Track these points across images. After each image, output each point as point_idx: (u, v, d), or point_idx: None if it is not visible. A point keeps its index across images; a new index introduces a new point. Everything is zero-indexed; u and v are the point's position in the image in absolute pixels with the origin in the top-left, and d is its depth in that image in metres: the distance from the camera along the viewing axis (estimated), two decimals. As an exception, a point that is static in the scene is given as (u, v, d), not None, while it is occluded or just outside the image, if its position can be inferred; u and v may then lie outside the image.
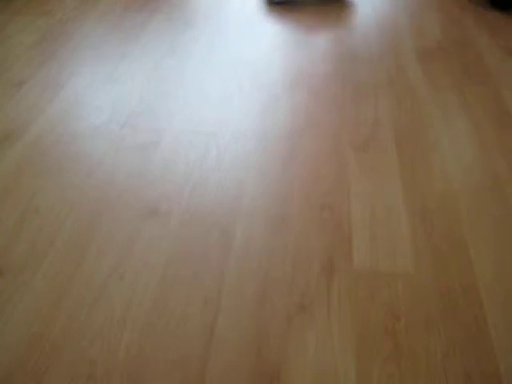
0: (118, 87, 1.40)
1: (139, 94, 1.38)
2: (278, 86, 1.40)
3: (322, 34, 1.61)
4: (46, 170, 1.14)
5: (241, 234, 0.99)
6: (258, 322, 0.84)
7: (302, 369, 0.78)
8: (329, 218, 1.02)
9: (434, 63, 1.48)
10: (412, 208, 1.03)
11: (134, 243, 0.97)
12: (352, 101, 1.34)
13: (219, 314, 0.86)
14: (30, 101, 1.35)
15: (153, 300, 0.88)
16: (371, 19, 1.72)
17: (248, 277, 0.91)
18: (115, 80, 1.43)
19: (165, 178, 1.12)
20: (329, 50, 1.55)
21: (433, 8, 1.78)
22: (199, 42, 1.61)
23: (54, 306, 0.87)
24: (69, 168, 1.14)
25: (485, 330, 0.83)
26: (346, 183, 1.10)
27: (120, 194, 1.08)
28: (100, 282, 0.91)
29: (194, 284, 0.90)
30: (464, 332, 0.82)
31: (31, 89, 1.40)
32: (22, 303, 0.87)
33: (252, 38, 1.62)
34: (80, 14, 1.76)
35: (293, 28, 1.66)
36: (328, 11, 1.76)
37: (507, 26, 1.64)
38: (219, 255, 0.95)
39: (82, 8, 1.80)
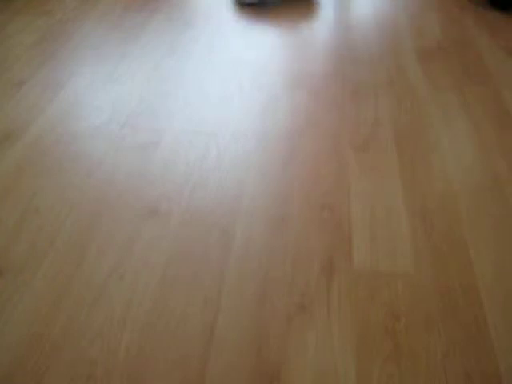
0: (118, 87, 1.40)
1: (139, 94, 1.38)
2: (277, 86, 1.40)
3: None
4: (46, 170, 1.14)
5: (241, 234, 0.99)
6: (258, 322, 0.84)
7: (302, 369, 0.78)
8: (329, 218, 1.02)
9: (434, 63, 1.48)
10: (412, 208, 1.03)
11: (133, 243, 0.97)
12: (352, 101, 1.34)
13: (219, 314, 0.86)
14: (30, 101, 1.35)
15: (153, 300, 0.88)
16: (371, 19, 1.71)
17: (248, 277, 0.91)
18: (115, 80, 1.43)
19: (165, 178, 1.12)
20: (329, 50, 1.55)
21: (433, 8, 1.78)
22: (199, 41, 1.61)
23: (53, 306, 0.87)
24: (69, 168, 1.14)
25: (485, 330, 0.83)
26: (346, 183, 1.10)
27: (120, 194, 1.08)
28: (100, 282, 0.91)
29: (194, 284, 0.90)
30: (464, 332, 0.82)
31: (31, 89, 1.40)
32: (22, 303, 0.87)
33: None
34: (80, 14, 1.76)
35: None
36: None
37: (507, 25, 1.64)
38: (219, 255, 0.95)
39: (81, 8, 1.80)
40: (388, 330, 0.83)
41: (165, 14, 1.76)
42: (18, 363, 0.79)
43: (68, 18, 1.74)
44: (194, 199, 1.07)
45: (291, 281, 0.90)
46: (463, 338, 0.82)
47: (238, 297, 0.88)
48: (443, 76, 1.43)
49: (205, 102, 1.34)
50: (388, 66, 1.47)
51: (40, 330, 0.83)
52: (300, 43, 1.58)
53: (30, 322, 0.84)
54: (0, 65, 1.50)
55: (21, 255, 0.95)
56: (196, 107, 1.33)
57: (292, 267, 0.93)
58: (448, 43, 1.57)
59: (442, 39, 1.59)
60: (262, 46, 1.58)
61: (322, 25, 1.68)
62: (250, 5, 1.79)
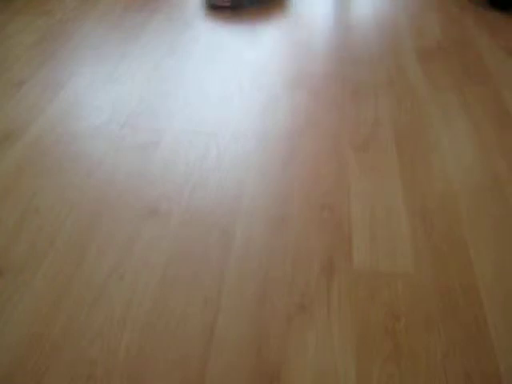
0: (118, 87, 1.40)
1: (139, 94, 1.38)
2: (277, 86, 1.40)
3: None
4: (46, 170, 1.14)
5: (241, 234, 0.99)
6: (258, 322, 0.84)
7: (302, 369, 0.78)
8: (329, 218, 1.02)
9: (434, 63, 1.48)
10: (412, 208, 1.03)
11: (134, 243, 0.97)
12: (352, 101, 1.34)
13: (219, 314, 0.86)
14: (30, 101, 1.35)
15: (153, 300, 0.88)
16: (371, 19, 1.72)
17: (248, 277, 0.91)
18: (115, 80, 1.43)
19: (165, 177, 1.12)
20: (329, 50, 1.55)
21: (433, 8, 1.78)
22: (199, 42, 1.61)
23: (53, 306, 0.87)
24: (69, 168, 1.14)
25: (485, 330, 0.83)
26: (346, 183, 1.10)
27: (120, 194, 1.08)
28: (100, 281, 0.91)
29: (194, 284, 0.90)
30: (464, 332, 0.82)
31: (31, 89, 1.40)
32: (22, 303, 0.87)
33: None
34: (80, 14, 1.76)
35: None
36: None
37: (507, 25, 1.64)
38: (219, 255, 0.95)
39: (81, 8, 1.80)
40: (388, 330, 0.83)
41: (165, 14, 1.76)
42: (18, 363, 0.79)
43: (68, 17, 1.74)
44: (194, 199, 1.07)
45: (291, 281, 0.90)
46: (463, 337, 0.82)
47: (238, 297, 0.88)
48: (443, 76, 1.43)
49: (205, 102, 1.34)
50: (388, 66, 1.47)
51: (40, 330, 0.83)
52: (297, 42, 1.58)
53: (30, 322, 0.84)
54: (0, 65, 1.50)
55: (21, 255, 0.95)
56: (196, 107, 1.33)
57: (292, 267, 0.93)
58: (448, 43, 1.57)
59: (442, 39, 1.59)
60: (262, 46, 1.58)
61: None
62: (221, 8, 1.76)
